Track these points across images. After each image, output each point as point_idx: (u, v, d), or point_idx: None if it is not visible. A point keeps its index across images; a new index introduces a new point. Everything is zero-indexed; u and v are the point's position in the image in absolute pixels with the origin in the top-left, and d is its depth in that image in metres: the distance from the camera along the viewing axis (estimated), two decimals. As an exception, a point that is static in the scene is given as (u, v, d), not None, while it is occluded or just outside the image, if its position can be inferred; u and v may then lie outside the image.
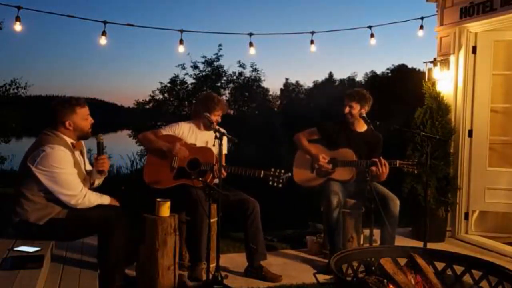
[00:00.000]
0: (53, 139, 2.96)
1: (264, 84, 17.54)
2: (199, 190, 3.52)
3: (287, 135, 4.58)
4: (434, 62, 5.09)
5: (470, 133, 4.96)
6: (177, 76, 15.01)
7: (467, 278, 2.64)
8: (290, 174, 3.81)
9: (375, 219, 3.57)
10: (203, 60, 15.26)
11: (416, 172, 4.07)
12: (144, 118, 14.66)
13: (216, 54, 15.28)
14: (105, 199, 3.12)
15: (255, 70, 16.50)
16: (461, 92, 4.93)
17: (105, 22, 5.49)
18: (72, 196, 2.94)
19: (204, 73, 15.28)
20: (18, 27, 5.12)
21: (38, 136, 3.04)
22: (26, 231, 2.92)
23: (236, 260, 4.03)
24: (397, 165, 3.91)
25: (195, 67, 15.16)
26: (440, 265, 2.74)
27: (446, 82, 5.04)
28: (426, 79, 5.14)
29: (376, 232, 3.92)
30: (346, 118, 4.14)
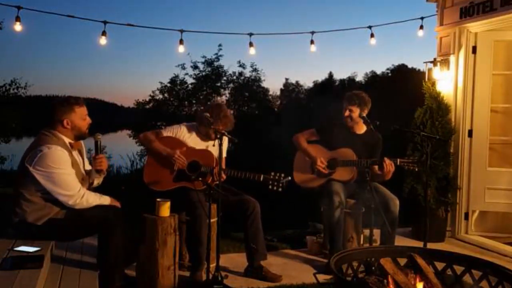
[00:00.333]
0: (51, 139, 2.96)
1: (264, 84, 17.53)
2: (199, 191, 3.52)
3: (287, 135, 4.56)
4: (434, 62, 5.08)
5: (470, 133, 4.96)
6: (177, 76, 15.02)
7: (467, 278, 2.64)
8: (290, 178, 3.80)
9: (375, 219, 3.57)
10: (203, 60, 15.27)
11: (416, 170, 4.06)
12: (144, 118, 14.65)
13: (216, 54, 15.28)
14: (105, 200, 3.11)
15: (255, 70, 16.49)
16: (461, 92, 4.93)
17: (105, 22, 5.49)
18: (70, 196, 2.93)
19: (204, 73, 15.27)
20: (18, 27, 5.13)
21: (36, 136, 3.04)
22: (25, 231, 2.92)
23: (236, 260, 4.03)
24: (398, 163, 3.91)
25: (195, 67, 15.16)
26: (440, 265, 2.74)
27: (446, 82, 5.04)
28: (426, 79, 5.14)
29: (376, 232, 3.92)
30: (346, 121, 4.14)
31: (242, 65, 16.02)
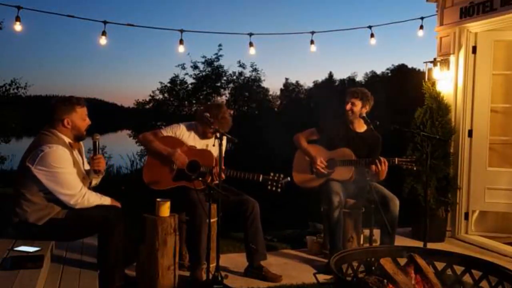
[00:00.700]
0: (52, 139, 2.96)
1: (264, 84, 17.60)
2: (199, 191, 3.52)
3: (287, 135, 4.57)
4: (434, 62, 5.08)
5: (470, 133, 4.96)
6: (177, 76, 15.06)
7: (467, 278, 2.64)
8: (289, 178, 3.80)
9: (375, 219, 3.57)
10: (203, 60, 15.31)
11: (415, 169, 4.05)
12: (144, 118, 14.67)
13: (216, 54, 15.32)
14: (106, 200, 3.11)
15: (255, 70, 16.55)
16: (461, 92, 4.93)
17: (105, 22, 5.50)
18: (71, 196, 2.93)
19: (204, 73, 15.30)
20: (18, 27, 5.13)
21: (36, 136, 3.03)
22: (26, 232, 2.92)
23: (236, 260, 4.03)
24: (396, 162, 3.91)
25: (195, 67, 15.19)
26: (440, 265, 2.74)
27: (446, 82, 5.04)
28: (426, 79, 5.14)
29: (376, 232, 3.92)
30: (347, 114, 4.13)
31: (242, 65, 16.09)
